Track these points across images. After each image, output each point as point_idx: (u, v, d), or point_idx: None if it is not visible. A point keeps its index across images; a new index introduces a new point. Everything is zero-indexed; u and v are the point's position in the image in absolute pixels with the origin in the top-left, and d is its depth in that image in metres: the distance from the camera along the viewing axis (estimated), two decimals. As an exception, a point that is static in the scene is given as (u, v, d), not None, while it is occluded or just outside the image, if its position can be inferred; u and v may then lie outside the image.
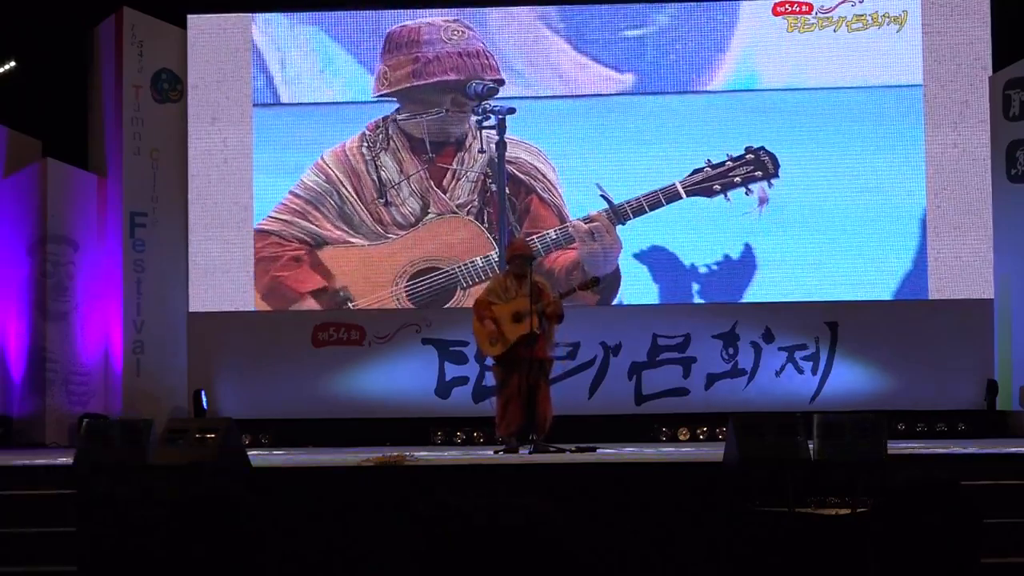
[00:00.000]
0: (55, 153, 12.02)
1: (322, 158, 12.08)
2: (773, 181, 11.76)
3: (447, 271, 11.96)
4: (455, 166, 11.97)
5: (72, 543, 7.32)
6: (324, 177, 12.06)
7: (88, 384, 11.82)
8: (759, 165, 11.76)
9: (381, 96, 12.06)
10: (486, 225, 11.91)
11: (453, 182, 11.96)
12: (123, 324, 11.91)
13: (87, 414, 11.43)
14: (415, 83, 12.04)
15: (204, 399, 11.81)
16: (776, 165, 11.77)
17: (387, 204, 11.98)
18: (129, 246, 11.97)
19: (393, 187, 11.98)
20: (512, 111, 11.96)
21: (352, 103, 12.15)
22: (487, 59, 12.03)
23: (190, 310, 12.06)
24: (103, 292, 11.94)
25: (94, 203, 11.99)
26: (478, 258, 11.90)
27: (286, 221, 12.07)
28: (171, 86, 12.20)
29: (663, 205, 11.82)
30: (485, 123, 11.96)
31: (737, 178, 11.74)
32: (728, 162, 11.75)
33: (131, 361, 11.91)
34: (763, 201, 11.76)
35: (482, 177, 11.96)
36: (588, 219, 11.85)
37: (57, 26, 12.14)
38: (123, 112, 11.99)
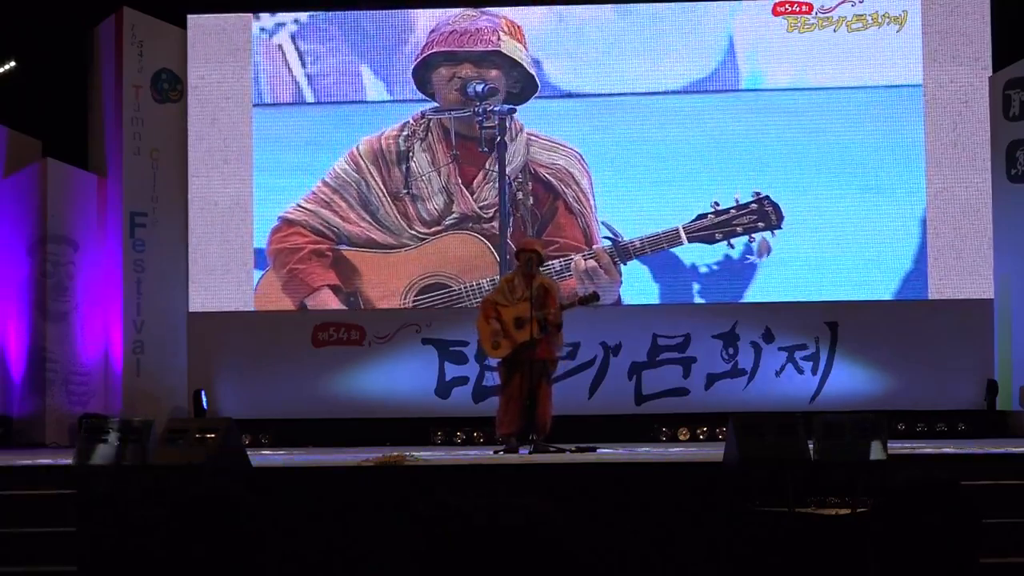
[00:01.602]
0: (55, 153, 12.02)
1: (357, 147, 12.06)
2: (776, 232, 11.74)
3: (454, 290, 11.94)
4: (488, 166, 11.95)
5: (72, 543, 7.32)
6: (355, 166, 12.05)
7: (88, 384, 11.82)
8: (762, 215, 11.72)
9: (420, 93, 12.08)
10: (510, 230, 11.85)
11: (484, 183, 11.94)
12: (123, 324, 11.90)
13: (87, 414, 11.42)
14: (413, 65, 12.07)
15: (204, 399, 11.81)
16: (780, 216, 11.73)
17: (412, 196, 11.95)
18: (129, 246, 11.97)
19: (421, 178, 11.95)
20: (513, 110, 11.95)
21: (354, 103, 12.15)
22: (486, 35, 12.00)
23: (190, 310, 12.06)
24: (103, 292, 11.94)
25: (94, 203, 11.99)
26: (484, 280, 11.87)
27: (311, 211, 12.05)
28: (171, 86, 12.20)
29: (664, 248, 11.80)
30: (486, 124, 11.95)
31: (739, 228, 11.72)
32: (732, 210, 11.72)
33: (131, 361, 11.91)
34: (763, 251, 11.71)
35: (510, 181, 11.92)
36: (589, 255, 11.81)
37: (57, 26, 12.14)
38: (123, 112, 11.99)
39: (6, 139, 12.08)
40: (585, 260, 11.82)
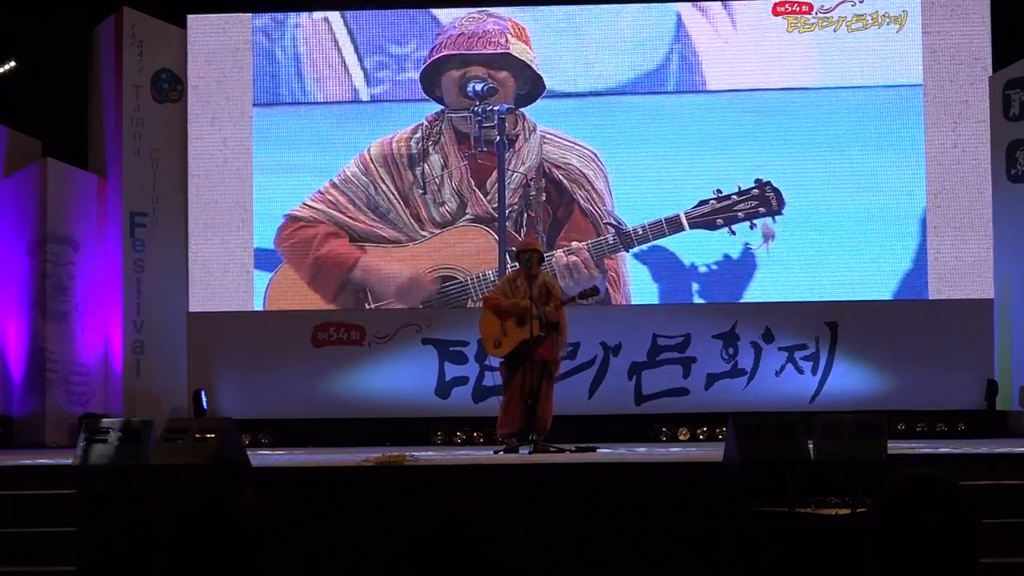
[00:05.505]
0: (55, 153, 12.02)
1: (368, 150, 12.05)
2: (777, 218, 11.73)
3: (461, 281, 11.94)
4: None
5: (72, 543, 7.32)
6: (363, 169, 12.04)
7: (88, 384, 11.82)
8: (763, 201, 11.72)
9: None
10: (524, 229, 11.85)
11: (497, 184, 11.92)
12: (123, 324, 11.90)
13: (87, 414, 11.42)
14: (422, 69, 12.06)
15: (204, 399, 11.81)
16: (781, 203, 11.74)
17: (425, 198, 11.94)
18: (129, 246, 11.97)
19: (435, 180, 11.94)
20: (512, 110, 11.95)
21: (354, 103, 12.15)
22: (495, 37, 11.99)
23: (190, 310, 12.06)
24: (103, 292, 11.94)
25: (94, 203, 11.99)
26: (490, 271, 11.87)
27: (318, 210, 12.05)
28: (171, 86, 12.20)
29: (667, 235, 11.80)
30: (485, 123, 11.95)
31: (740, 213, 11.72)
32: (734, 196, 11.72)
33: (131, 361, 11.91)
34: (768, 237, 11.72)
35: (525, 180, 11.91)
36: (569, 251, 11.80)
37: (57, 26, 12.14)
38: (123, 112, 11.99)
39: (6, 139, 12.08)
40: (567, 256, 11.82)
